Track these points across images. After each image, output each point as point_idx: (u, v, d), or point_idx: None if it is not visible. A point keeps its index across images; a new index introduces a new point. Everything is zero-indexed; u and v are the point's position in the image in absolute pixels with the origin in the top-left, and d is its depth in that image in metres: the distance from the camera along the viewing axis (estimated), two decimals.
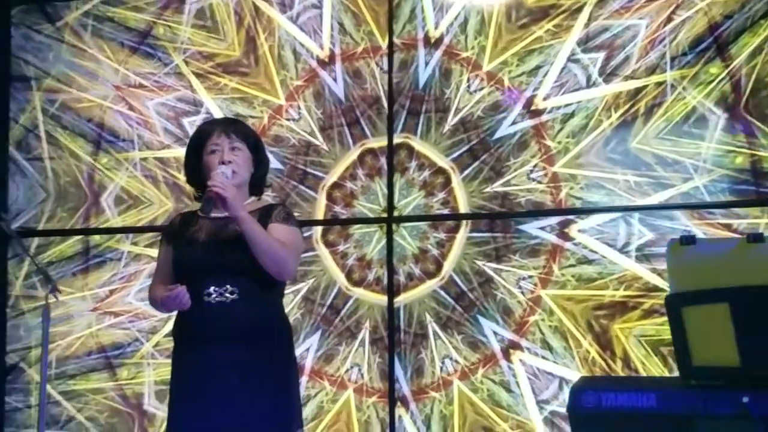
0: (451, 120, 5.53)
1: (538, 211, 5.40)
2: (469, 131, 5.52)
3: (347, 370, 5.63)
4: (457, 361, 5.46)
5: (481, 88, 5.49)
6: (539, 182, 5.40)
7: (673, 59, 5.27)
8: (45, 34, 6.25)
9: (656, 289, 5.18)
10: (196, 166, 3.91)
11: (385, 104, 5.67)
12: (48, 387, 5.92)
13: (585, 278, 5.34)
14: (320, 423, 5.60)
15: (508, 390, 5.40)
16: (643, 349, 5.18)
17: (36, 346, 6.09)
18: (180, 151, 5.62)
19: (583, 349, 5.29)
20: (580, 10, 5.40)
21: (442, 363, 5.48)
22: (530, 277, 5.40)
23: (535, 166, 5.45)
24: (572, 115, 5.40)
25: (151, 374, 5.91)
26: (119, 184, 6.05)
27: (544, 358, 5.36)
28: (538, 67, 5.42)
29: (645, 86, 5.30)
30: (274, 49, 5.85)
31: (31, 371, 6.12)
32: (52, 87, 6.21)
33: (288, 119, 5.80)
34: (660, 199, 5.22)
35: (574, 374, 5.22)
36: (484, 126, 5.49)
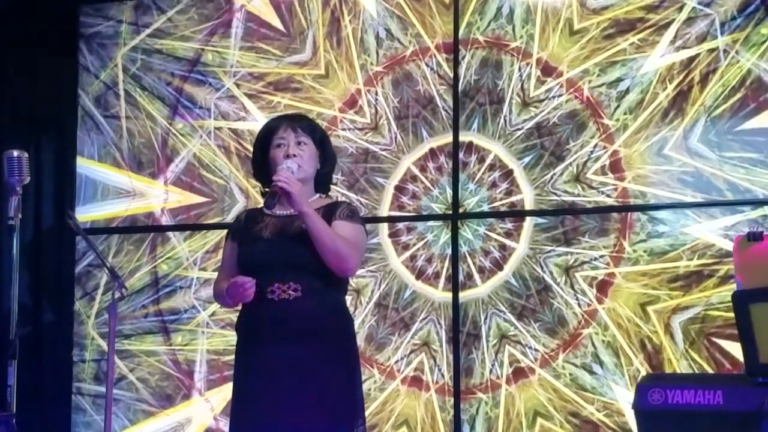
0: (524, 123, 5.54)
1: (601, 208, 5.39)
2: (543, 135, 5.54)
3: (397, 361, 5.62)
4: (536, 349, 5.44)
5: (560, 95, 5.48)
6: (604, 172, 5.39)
7: (722, 24, 5.27)
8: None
9: (730, 254, 5.13)
10: (262, 162, 3.93)
11: (439, 104, 5.68)
12: (103, 343, 6.04)
13: (657, 251, 5.31)
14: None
15: (591, 372, 5.36)
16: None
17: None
18: (255, 124, 5.76)
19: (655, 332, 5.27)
20: (667, 26, 5.38)
21: (523, 352, 5.47)
22: (602, 256, 5.37)
23: (595, 146, 5.43)
24: (627, 91, 5.39)
25: (205, 343, 5.96)
26: (192, 151, 6.10)
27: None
28: (618, 80, 5.41)
29: (697, 54, 5.30)
30: (357, 32, 5.88)
31: (90, 327, 6.17)
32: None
33: (344, 129, 5.82)
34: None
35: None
36: (558, 132, 5.52)
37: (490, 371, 5.48)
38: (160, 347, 6.05)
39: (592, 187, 5.40)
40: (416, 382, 5.60)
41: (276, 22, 6.02)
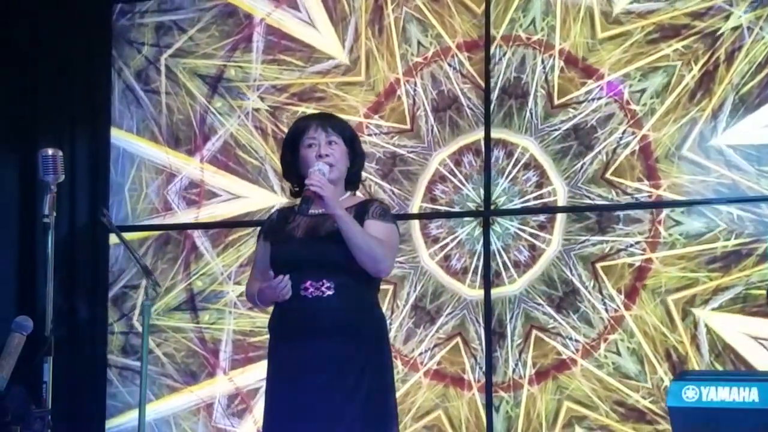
0: (561, 124, 5.54)
1: (634, 204, 5.36)
2: (579, 136, 5.53)
3: (421, 354, 5.62)
4: (576, 341, 5.40)
5: (600, 98, 5.46)
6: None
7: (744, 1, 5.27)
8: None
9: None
10: (292, 161, 3.94)
11: (463, 103, 5.69)
12: (134, 318, 6.13)
13: (693, 234, 5.28)
14: None
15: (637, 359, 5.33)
16: None
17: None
18: (294, 109, 5.85)
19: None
20: (713, 34, 5.34)
21: (564, 343, 5.44)
22: (638, 243, 5.35)
23: (623, 132, 5.41)
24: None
25: (231, 323, 5.99)
26: (229, 131, 6.10)
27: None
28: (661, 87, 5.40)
29: (721, 34, 5.28)
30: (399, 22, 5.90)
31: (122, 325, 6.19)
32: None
33: (369, 134, 5.82)
34: None
35: None
36: (587, 123, 5.51)
37: (534, 364, 5.46)
38: (187, 324, 6.08)
39: (619, 186, 5.39)
40: (458, 381, 5.59)
41: (298, 33, 6.02)
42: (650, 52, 5.42)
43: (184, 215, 6.17)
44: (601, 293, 5.38)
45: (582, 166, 5.49)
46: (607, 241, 5.41)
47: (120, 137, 6.28)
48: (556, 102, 5.53)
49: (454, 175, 5.71)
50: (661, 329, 5.27)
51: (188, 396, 6.06)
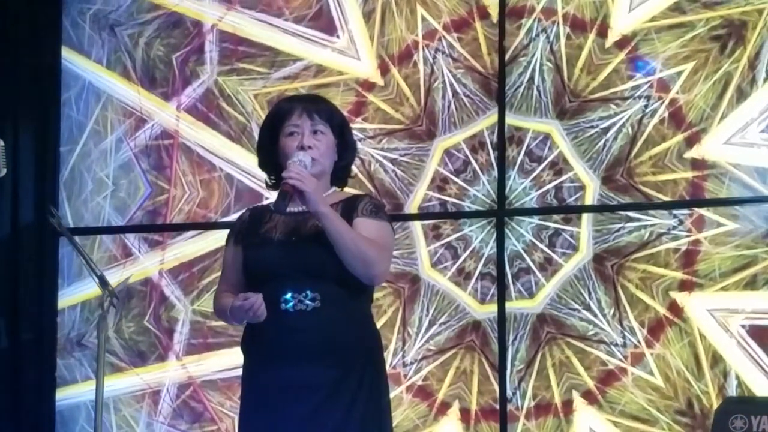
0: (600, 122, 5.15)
1: (663, 203, 5.02)
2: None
3: (406, 365, 5.31)
4: (624, 345, 5.00)
5: (648, 96, 5.06)
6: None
7: None
8: None
9: None
10: (271, 149, 3.60)
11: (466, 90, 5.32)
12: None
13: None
14: None
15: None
16: None
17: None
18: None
19: None
20: None
21: (609, 351, 5.01)
22: (681, 223, 4.97)
23: (649, 98, 5.06)
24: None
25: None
26: (213, 77, 5.69)
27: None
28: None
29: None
30: None
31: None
32: None
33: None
34: None
35: None
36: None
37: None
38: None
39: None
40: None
41: (257, 36, 5.64)
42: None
43: (147, 259, 5.71)
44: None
45: (605, 144, 5.10)
46: (645, 226, 5.04)
47: (87, 68, 5.84)
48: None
49: (461, 169, 5.32)
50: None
51: (133, 379, 5.68)
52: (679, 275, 4.96)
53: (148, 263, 5.74)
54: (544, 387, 5.11)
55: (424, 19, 5.42)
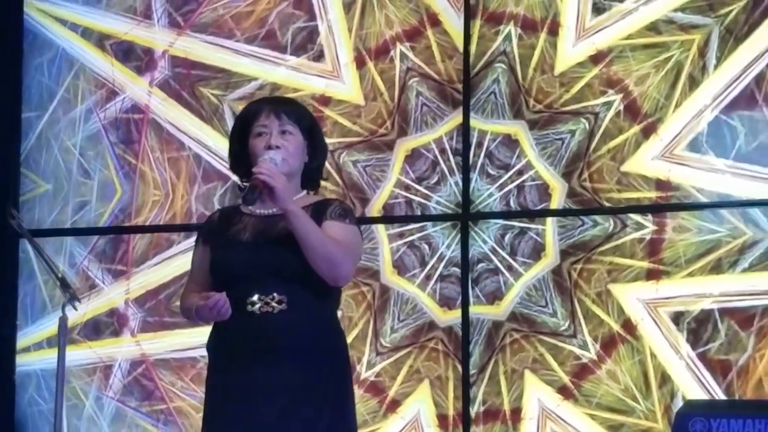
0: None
1: (635, 207, 5.03)
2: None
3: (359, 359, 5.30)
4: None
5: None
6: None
7: None
8: None
9: None
10: (241, 151, 3.59)
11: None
12: None
13: None
14: None
15: None
16: None
17: None
18: None
19: None
20: None
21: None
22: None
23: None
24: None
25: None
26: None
27: None
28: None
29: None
30: None
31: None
32: None
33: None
34: None
35: None
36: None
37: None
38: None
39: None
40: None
41: (209, 59, 5.61)
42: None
43: (112, 290, 5.64)
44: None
45: (563, 140, 5.13)
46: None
47: (61, 35, 5.75)
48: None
49: (425, 172, 5.31)
50: None
51: (86, 351, 5.59)
52: (646, 264, 4.95)
53: (113, 294, 5.64)
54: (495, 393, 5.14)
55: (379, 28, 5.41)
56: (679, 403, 4.77)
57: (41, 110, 5.73)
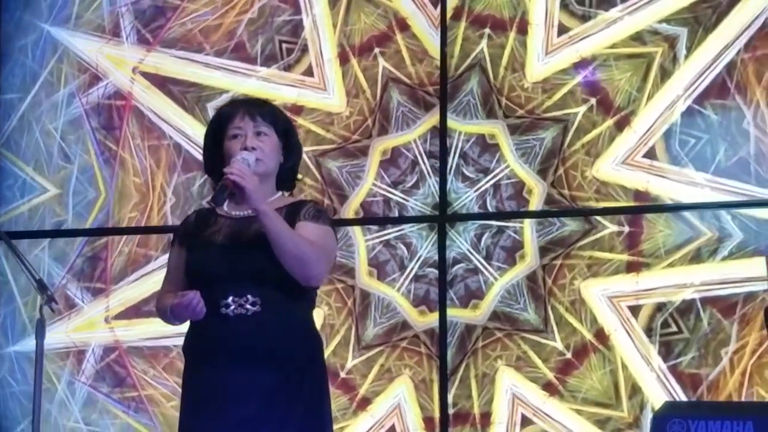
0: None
1: (612, 209, 5.03)
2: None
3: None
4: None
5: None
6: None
7: None
8: None
9: None
10: (215, 153, 3.59)
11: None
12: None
13: None
14: None
15: None
16: None
17: None
18: None
19: None
20: None
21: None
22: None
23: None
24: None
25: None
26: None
27: None
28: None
29: None
30: None
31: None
32: None
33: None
34: None
35: None
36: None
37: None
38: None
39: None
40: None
41: (180, 73, 5.59)
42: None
43: (91, 308, 5.60)
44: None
45: (537, 136, 5.13)
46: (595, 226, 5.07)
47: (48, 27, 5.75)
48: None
49: (402, 173, 5.30)
50: None
51: (59, 336, 5.57)
52: (625, 257, 4.95)
53: (92, 312, 5.60)
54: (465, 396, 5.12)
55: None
56: (648, 414, 4.81)
57: (23, 92, 5.71)
